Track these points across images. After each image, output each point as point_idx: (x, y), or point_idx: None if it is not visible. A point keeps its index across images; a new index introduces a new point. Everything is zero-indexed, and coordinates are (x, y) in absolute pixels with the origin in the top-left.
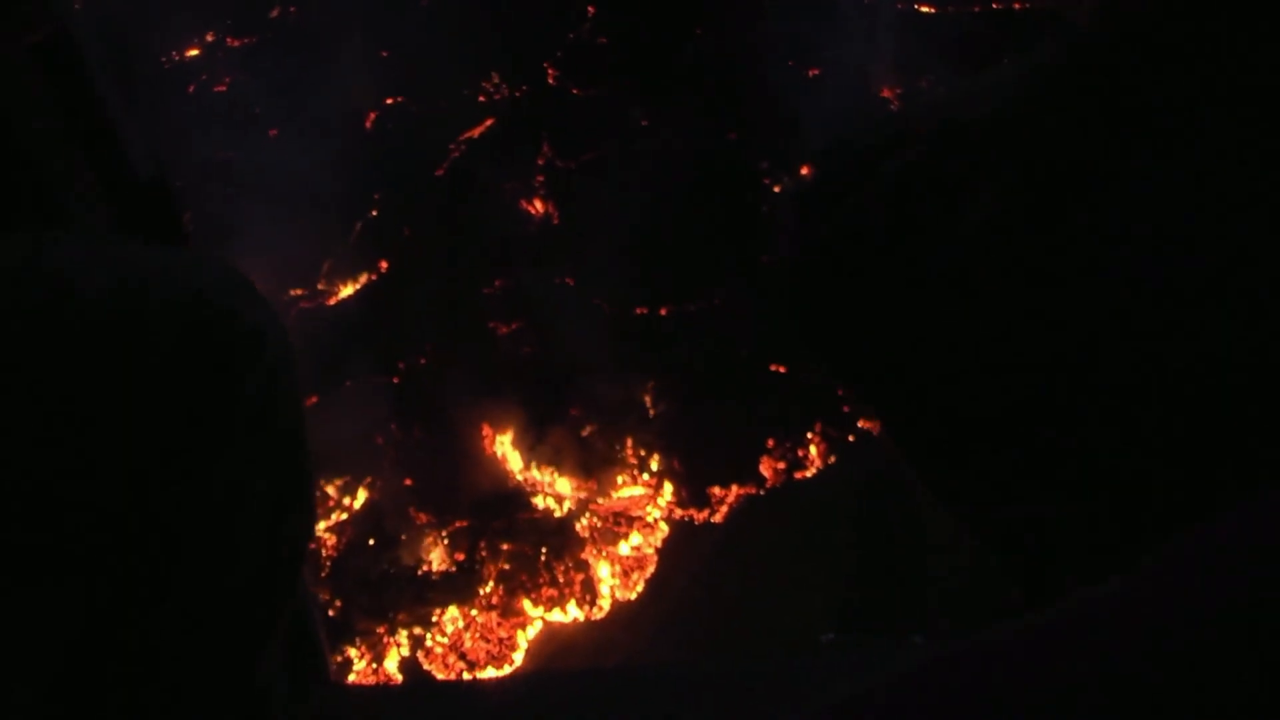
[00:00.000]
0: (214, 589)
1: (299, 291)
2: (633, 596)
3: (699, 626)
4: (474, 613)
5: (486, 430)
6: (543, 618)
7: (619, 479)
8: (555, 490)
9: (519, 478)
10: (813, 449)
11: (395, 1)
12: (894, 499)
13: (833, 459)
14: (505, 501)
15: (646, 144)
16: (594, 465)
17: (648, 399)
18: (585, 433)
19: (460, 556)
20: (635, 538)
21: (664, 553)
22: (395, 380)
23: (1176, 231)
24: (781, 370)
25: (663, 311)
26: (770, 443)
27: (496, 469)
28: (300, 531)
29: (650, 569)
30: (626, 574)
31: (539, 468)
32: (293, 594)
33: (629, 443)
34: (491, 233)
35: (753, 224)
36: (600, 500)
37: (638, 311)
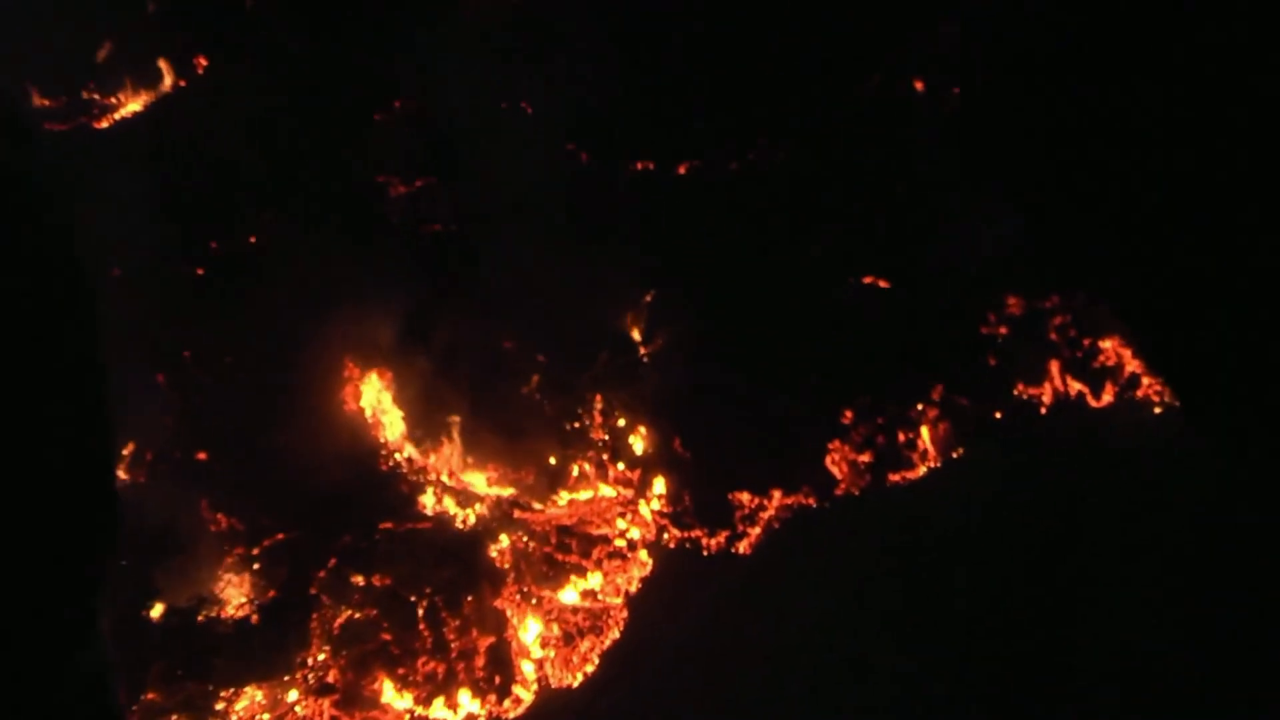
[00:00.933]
0: None
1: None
2: (575, 683)
3: None
4: (292, 698)
5: (350, 368)
6: (412, 715)
7: (573, 469)
8: (459, 483)
9: (397, 458)
10: (924, 434)
11: None
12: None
13: (958, 452)
14: (368, 498)
15: None
16: (531, 442)
17: (635, 329)
18: (524, 387)
19: (274, 593)
20: (592, 577)
21: (640, 605)
22: (198, 268)
23: None
24: (882, 285)
25: (681, 169)
26: (847, 417)
27: (359, 438)
28: None
29: (612, 635)
30: (569, 641)
31: (434, 442)
32: None
33: (596, 404)
34: None
35: None
36: (537, 505)
37: (636, 166)
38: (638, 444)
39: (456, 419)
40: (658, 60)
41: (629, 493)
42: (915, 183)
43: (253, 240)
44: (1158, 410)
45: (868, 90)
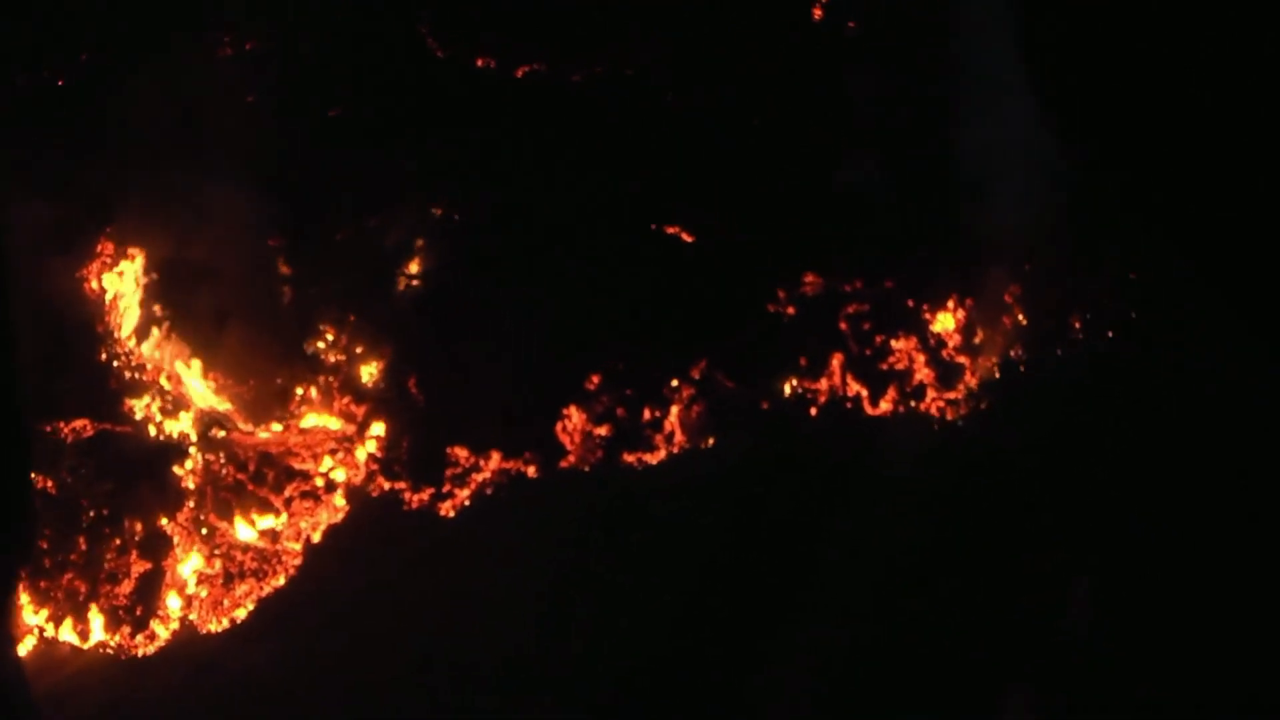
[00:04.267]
0: None
1: None
2: (217, 629)
3: None
4: None
5: (104, 244)
6: (41, 634)
7: (298, 392)
8: (175, 389)
9: (119, 350)
10: (673, 413)
11: None
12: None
13: (709, 440)
14: (71, 388)
15: None
16: (263, 356)
17: (404, 255)
18: (270, 299)
19: None
20: (277, 516)
21: (316, 556)
22: None
23: None
24: (686, 238)
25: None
26: (593, 382)
27: (87, 321)
28: None
29: (275, 583)
30: (227, 581)
31: (164, 339)
32: None
33: (341, 327)
34: None
35: None
36: (248, 426)
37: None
38: (370, 377)
39: (194, 320)
40: None
41: (349, 429)
42: (736, 132)
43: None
44: (936, 428)
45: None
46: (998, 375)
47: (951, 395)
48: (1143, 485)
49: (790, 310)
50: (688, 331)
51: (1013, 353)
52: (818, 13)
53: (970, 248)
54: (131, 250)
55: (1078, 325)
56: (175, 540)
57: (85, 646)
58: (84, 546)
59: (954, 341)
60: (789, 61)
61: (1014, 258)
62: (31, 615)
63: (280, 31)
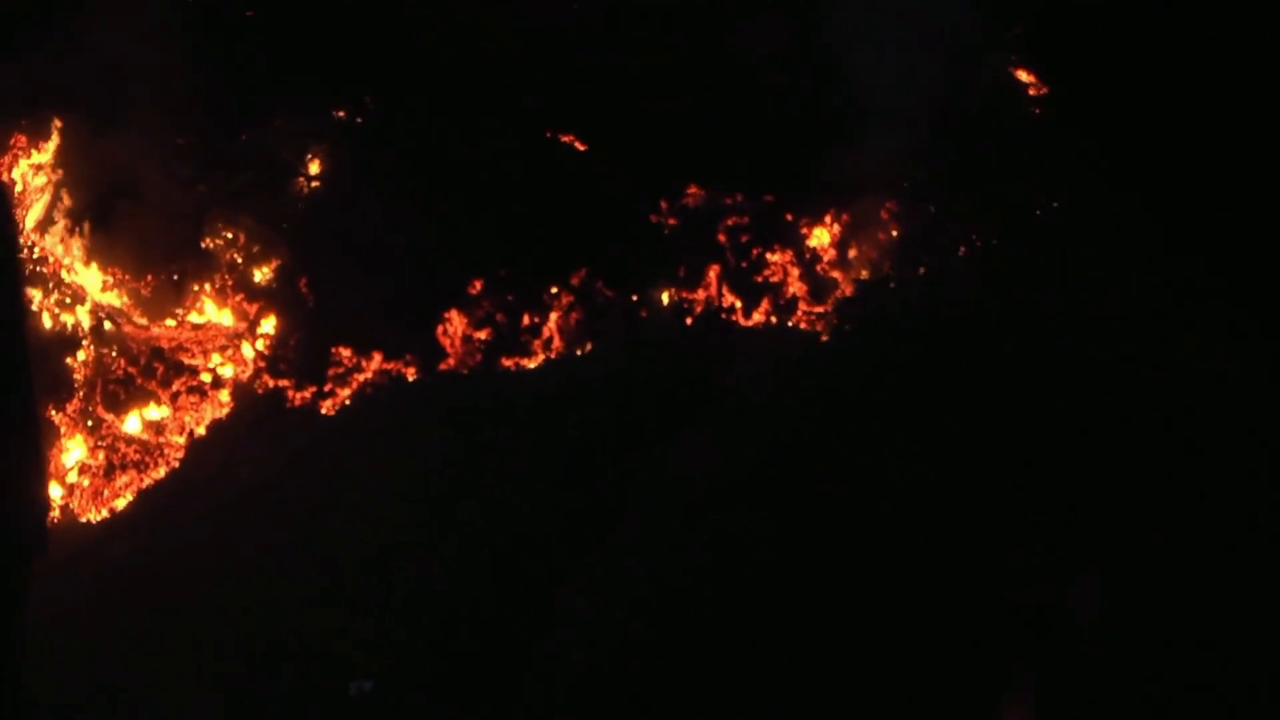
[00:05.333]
0: None
1: None
2: (96, 519)
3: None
4: None
5: (18, 136)
6: None
7: (193, 288)
8: (74, 282)
9: (20, 241)
10: (552, 319)
11: None
12: None
13: (586, 346)
14: None
15: None
16: (161, 252)
17: (308, 156)
18: (175, 197)
19: None
20: (163, 408)
21: (198, 449)
22: None
23: None
24: (579, 147)
25: None
26: (476, 286)
27: None
28: None
29: (155, 475)
30: (109, 473)
31: (66, 233)
32: None
33: (237, 225)
34: None
35: None
36: (142, 321)
37: None
38: (264, 276)
39: (96, 215)
40: None
41: (241, 325)
42: (630, 49)
43: None
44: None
45: None
46: (867, 293)
47: (820, 309)
48: (995, 416)
49: (671, 221)
50: (570, 239)
51: (885, 269)
52: None
53: (849, 167)
54: (43, 144)
55: (951, 247)
56: (61, 430)
57: None
58: None
59: (828, 256)
60: None
61: (891, 179)
62: None
63: None
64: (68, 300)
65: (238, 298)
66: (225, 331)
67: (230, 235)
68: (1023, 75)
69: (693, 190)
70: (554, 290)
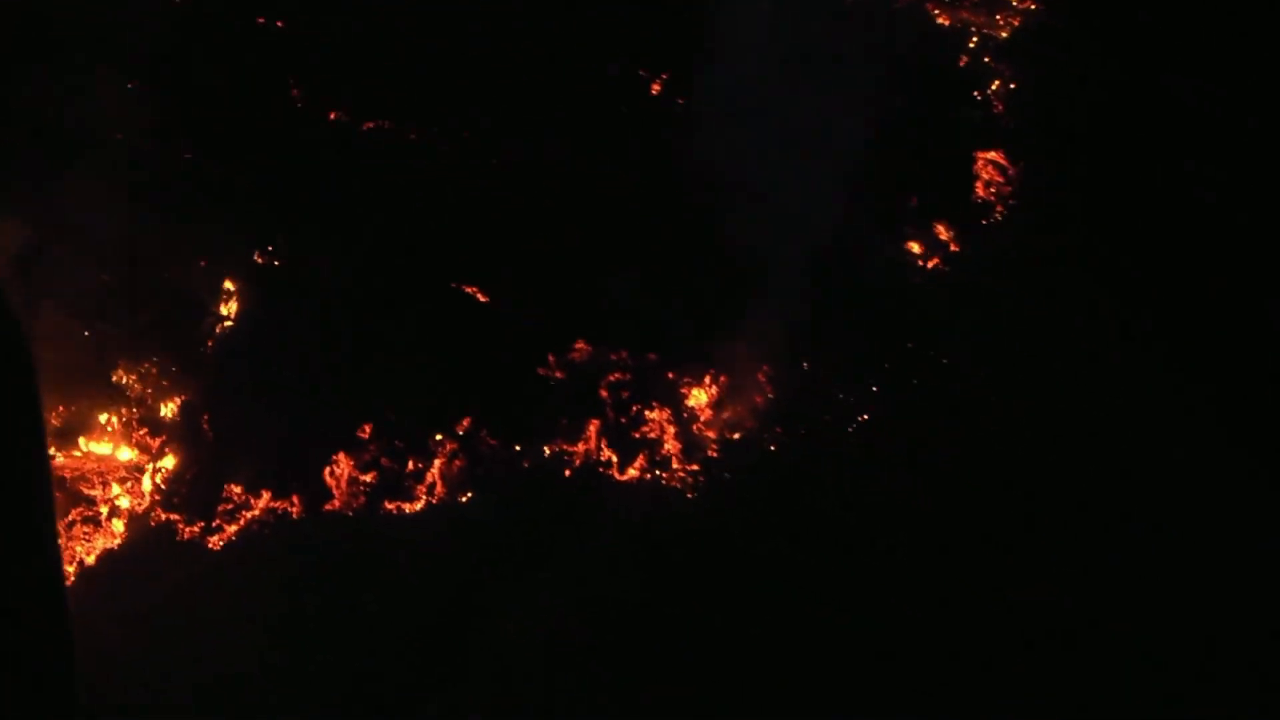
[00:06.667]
0: None
1: None
2: None
3: None
4: None
5: None
6: None
7: (100, 419)
8: None
9: None
10: (436, 465)
11: None
12: None
13: (466, 495)
14: None
15: None
16: (75, 381)
17: (219, 296)
18: (98, 327)
19: None
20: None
21: (90, 580)
22: None
23: None
24: (481, 299)
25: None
26: (365, 430)
27: None
28: None
29: None
30: None
31: None
32: None
33: (147, 361)
34: None
35: None
36: (50, 450)
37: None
38: (169, 410)
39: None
40: None
41: (143, 459)
42: (532, 200)
43: None
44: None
45: None
46: (738, 454)
47: (693, 467)
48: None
49: (558, 374)
50: (459, 387)
51: (759, 432)
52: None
53: (729, 327)
54: None
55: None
56: None
57: None
58: None
59: (705, 416)
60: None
61: (770, 344)
62: None
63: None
64: None
65: (141, 431)
66: (124, 465)
67: (141, 370)
68: (914, 247)
69: (580, 345)
70: (439, 437)
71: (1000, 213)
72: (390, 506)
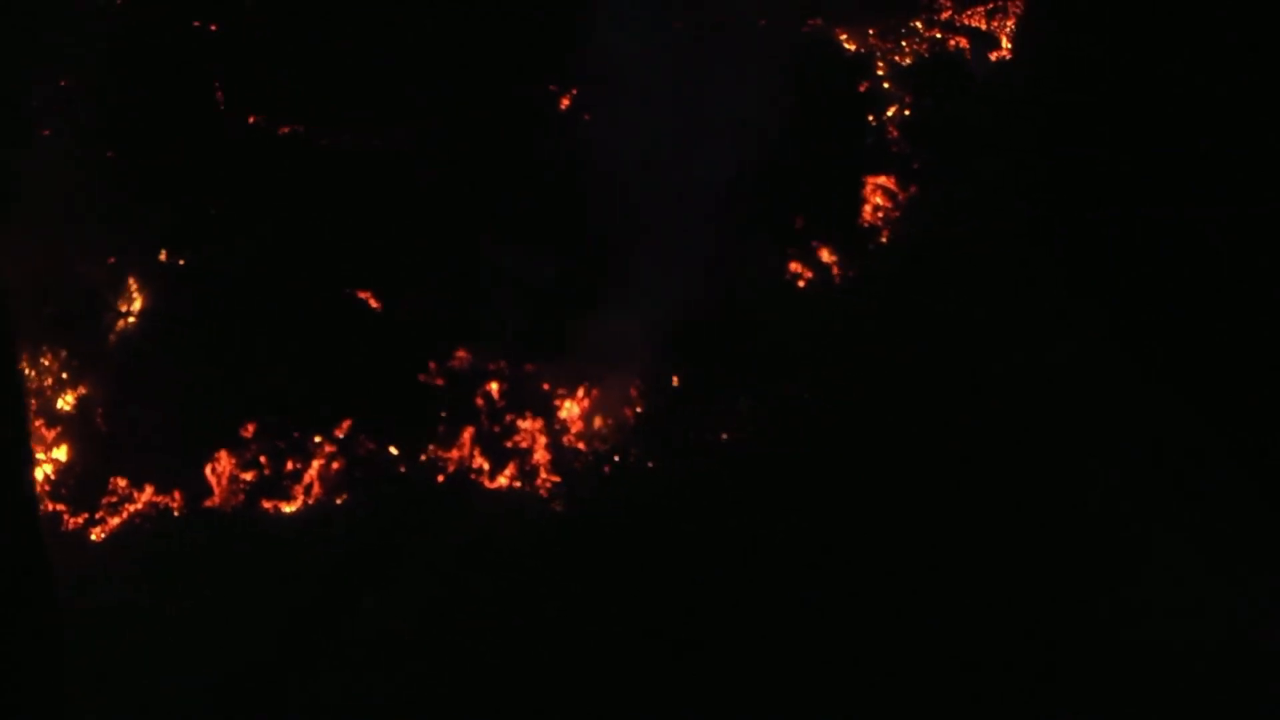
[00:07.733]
0: None
1: None
2: None
3: None
4: None
5: None
6: None
7: None
8: None
9: None
10: (315, 466)
11: None
12: None
13: (341, 497)
14: None
15: None
16: None
17: (121, 294)
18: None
19: None
20: None
21: None
22: None
23: None
24: (373, 305)
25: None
26: (249, 430)
27: None
28: None
29: None
30: None
31: None
32: None
33: (57, 355)
34: None
35: None
36: None
37: None
38: (66, 404)
39: None
40: None
41: (37, 449)
42: (430, 213)
43: None
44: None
45: None
46: (604, 466)
47: (555, 479)
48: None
49: (439, 381)
50: (341, 391)
51: (626, 445)
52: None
53: (603, 339)
54: None
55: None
56: None
57: None
58: None
59: (576, 428)
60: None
61: (644, 358)
62: None
63: None
64: None
65: (38, 423)
66: None
67: (46, 362)
68: (795, 266)
69: (460, 354)
70: (318, 439)
71: (886, 237)
72: (267, 505)
